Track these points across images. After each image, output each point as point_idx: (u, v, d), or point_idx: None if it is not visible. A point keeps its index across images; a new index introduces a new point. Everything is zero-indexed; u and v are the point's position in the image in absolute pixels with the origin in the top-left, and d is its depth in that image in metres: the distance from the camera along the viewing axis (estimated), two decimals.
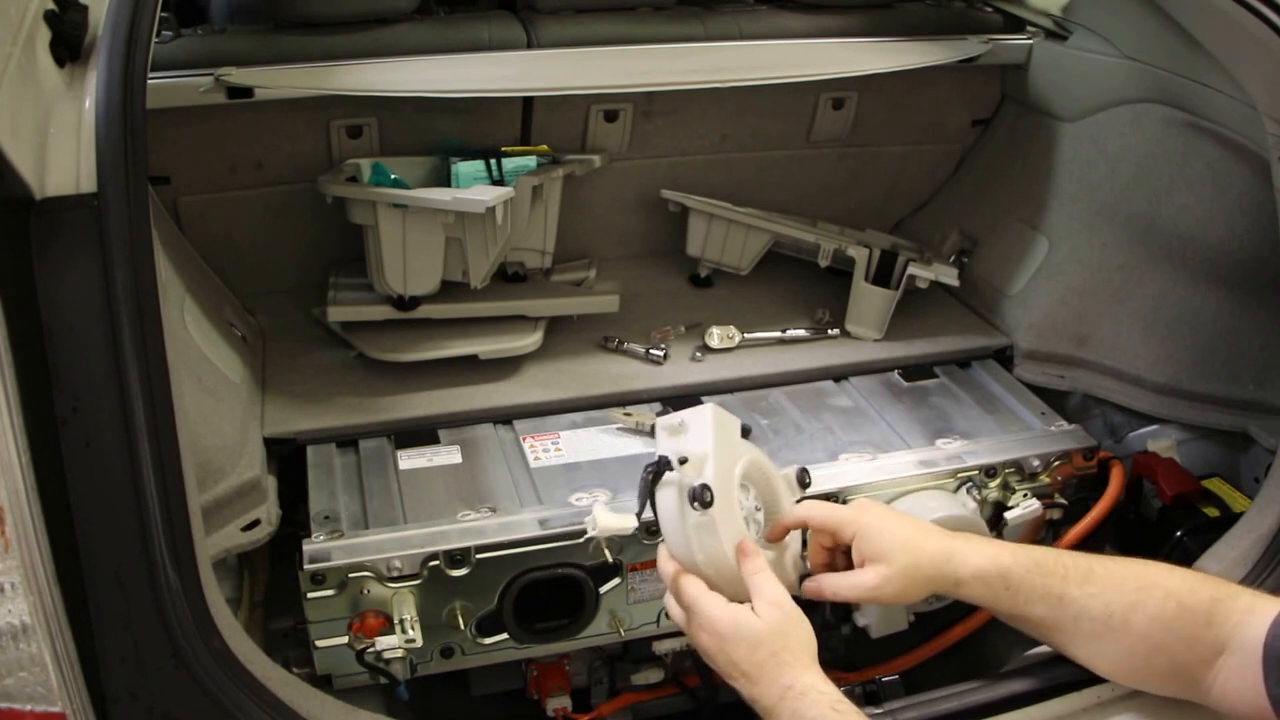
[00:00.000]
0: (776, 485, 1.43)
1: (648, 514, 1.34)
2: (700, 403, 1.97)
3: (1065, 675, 1.37)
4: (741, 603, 1.25)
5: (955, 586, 1.29)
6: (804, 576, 1.40)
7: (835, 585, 1.33)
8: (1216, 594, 1.20)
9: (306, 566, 1.52)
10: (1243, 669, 1.15)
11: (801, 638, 1.21)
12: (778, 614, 1.21)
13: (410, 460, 1.80)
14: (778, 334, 2.18)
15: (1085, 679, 1.35)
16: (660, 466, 1.28)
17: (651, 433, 1.85)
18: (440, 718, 1.91)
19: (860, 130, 2.47)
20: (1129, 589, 1.23)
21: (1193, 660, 1.19)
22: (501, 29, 2.11)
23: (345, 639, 1.54)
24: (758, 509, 1.41)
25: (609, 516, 1.41)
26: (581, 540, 1.58)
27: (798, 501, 1.45)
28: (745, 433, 1.84)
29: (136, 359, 1.14)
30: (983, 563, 1.29)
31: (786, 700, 1.15)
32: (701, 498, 1.24)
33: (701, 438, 1.30)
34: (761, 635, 1.20)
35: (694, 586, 1.27)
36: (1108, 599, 1.23)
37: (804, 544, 1.45)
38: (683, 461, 1.27)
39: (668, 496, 1.29)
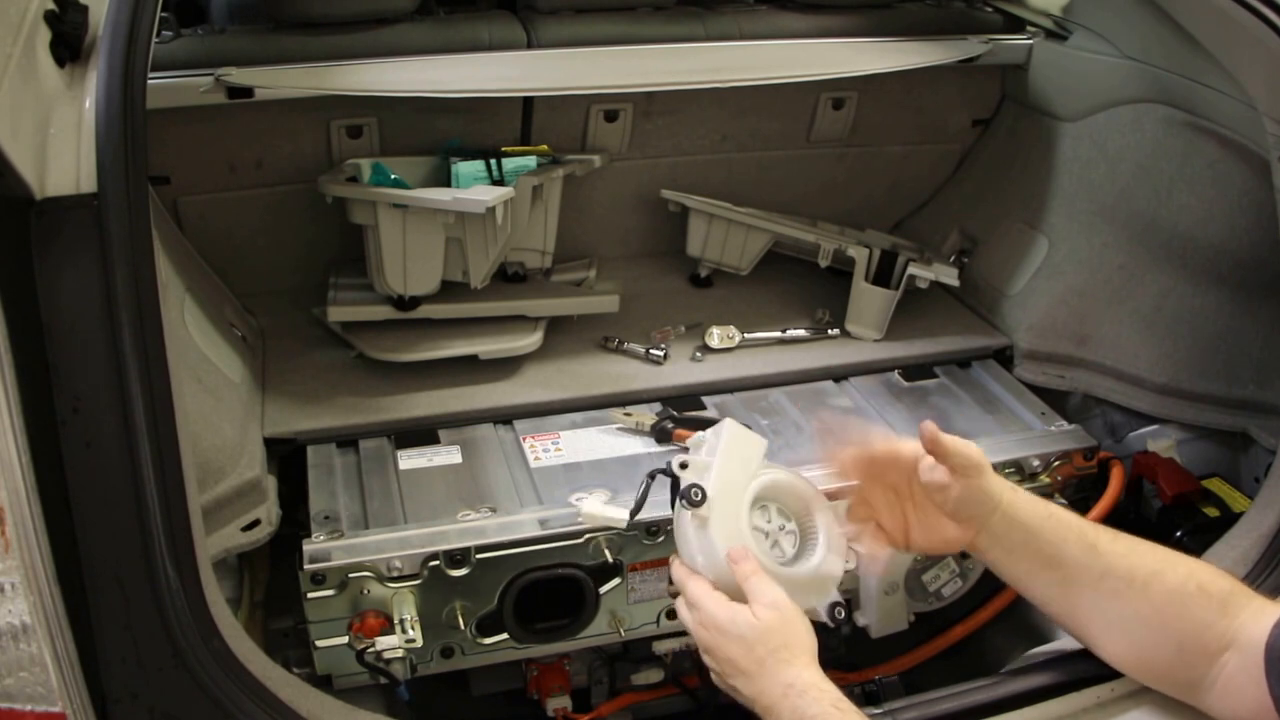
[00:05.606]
0: (813, 507, 1.41)
1: (653, 514, 1.36)
2: (700, 403, 1.98)
3: (1065, 675, 1.36)
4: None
5: (1011, 493, 1.31)
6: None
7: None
8: (1234, 588, 1.22)
9: (306, 566, 1.52)
10: (1246, 667, 1.15)
11: (801, 637, 1.21)
12: (774, 615, 1.21)
13: (410, 460, 1.80)
14: (778, 334, 2.18)
15: (1085, 678, 1.35)
16: (664, 470, 1.34)
17: (651, 433, 1.86)
18: (440, 718, 1.91)
19: (860, 130, 2.47)
20: (1154, 557, 1.25)
21: (1199, 650, 1.19)
22: (501, 29, 2.11)
23: (345, 639, 1.54)
24: (783, 529, 1.40)
25: (598, 506, 1.48)
26: (580, 540, 1.58)
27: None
28: None
29: (136, 359, 1.14)
30: (1026, 492, 1.34)
31: (788, 698, 1.15)
32: (690, 496, 1.28)
33: (712, 449, 1.36)
34: (759, 634, 1.20)
35: (698, 585, 1.28)
36: (1132, 562, 1.25)
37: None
38: (683, 466, 1.33)
39: (678, 504, 1.34)
